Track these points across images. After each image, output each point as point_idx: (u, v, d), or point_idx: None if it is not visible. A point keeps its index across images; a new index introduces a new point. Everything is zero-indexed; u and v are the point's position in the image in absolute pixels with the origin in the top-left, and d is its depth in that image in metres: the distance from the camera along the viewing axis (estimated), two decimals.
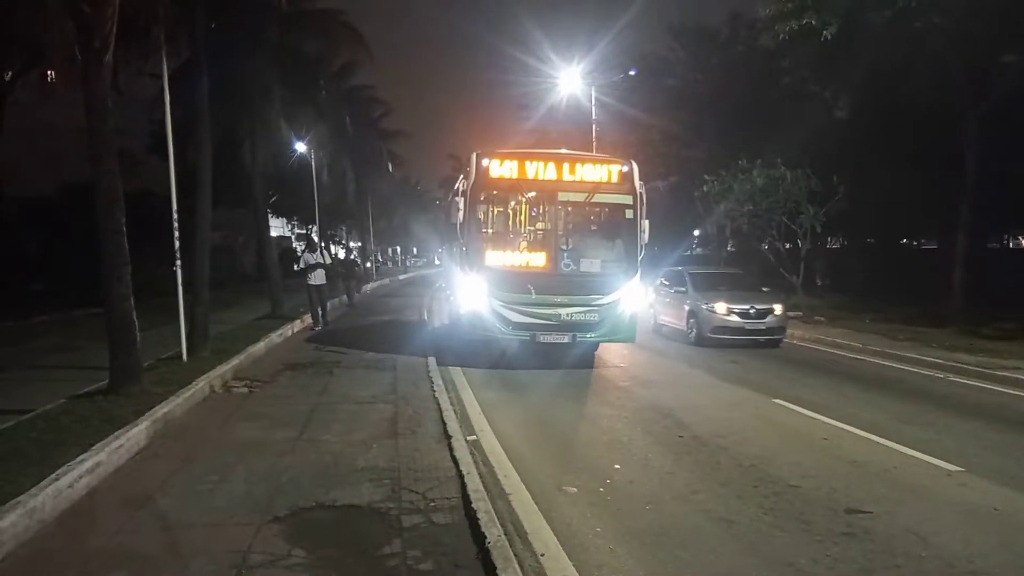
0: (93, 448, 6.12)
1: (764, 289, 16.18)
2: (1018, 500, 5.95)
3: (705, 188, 22.24)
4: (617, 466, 6.79)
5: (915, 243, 33.80)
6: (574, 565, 4.63)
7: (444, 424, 7.73)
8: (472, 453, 6.77)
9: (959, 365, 12.08)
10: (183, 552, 4.59)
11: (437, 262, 60.92)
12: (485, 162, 11.50)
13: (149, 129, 25.18)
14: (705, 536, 5.18)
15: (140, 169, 26.61)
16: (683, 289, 16.07)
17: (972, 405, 9.68)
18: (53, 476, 5.37)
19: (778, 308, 14.98)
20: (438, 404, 8.75)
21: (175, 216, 10.87)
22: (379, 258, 71.46)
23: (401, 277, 52.83)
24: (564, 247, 11.80)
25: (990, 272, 20.27)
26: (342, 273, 24.17)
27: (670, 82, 33.18)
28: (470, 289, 11.52)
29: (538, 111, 37.32)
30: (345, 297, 24.13)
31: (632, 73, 31.11)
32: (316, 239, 23.71)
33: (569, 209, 12.38)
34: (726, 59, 31.94)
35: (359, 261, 37.71)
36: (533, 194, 12.30)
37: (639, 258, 11.90)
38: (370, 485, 5.81)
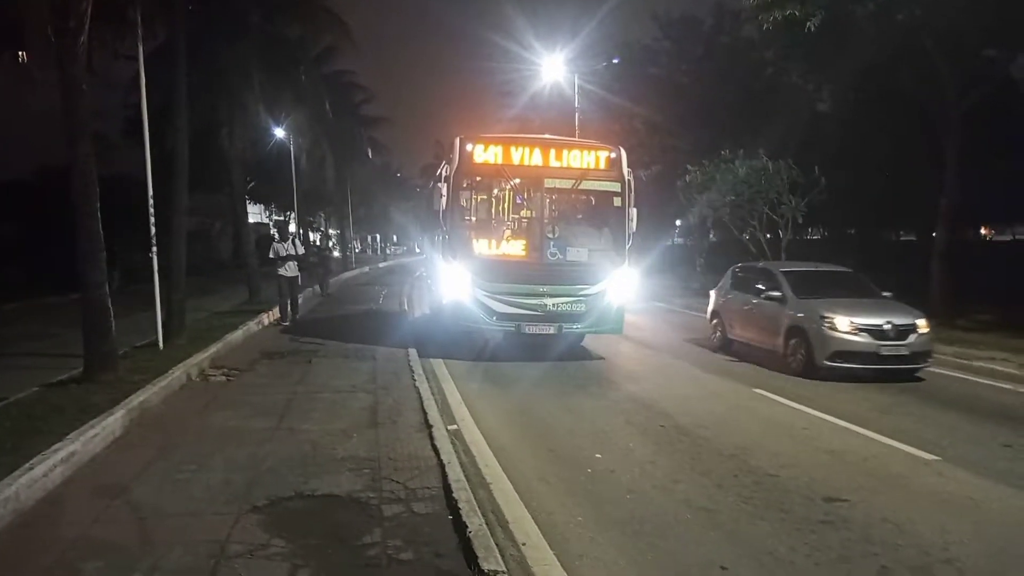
0: (68, 437, 6.02)
1: (885, 294, 11.83)
2: (992, 489, 6.03)
3: (688, 178, 22.27)
4: (598, 455, 6.80)
5: (895, 235, 34.18)
6: (555, 554, 4.63)
7: (425, 413, 7.69)
8: (453, 442, 6.75)
9: (937, 356, 12.20)
10: (160, 542, 4.53)
11: (417, 250, 60.61)
12: (469, 147, 11.17)
13: (125, 113, 24.76)
14: (686, 525, 5.19)
15: (115, 153, 26.17)
16: (776, 294, 11.70)
17: (950, 396, 9.79)
18: (27, 466, 5.28)
19: (921, 324, 10.68)
20: (419, 394, 8.68)
21: (151, 201, 10.70)
22: (358, 245, 71.12)
23: (381, 265, 52.58)
24: (550, 235, 11.43)
25: (967, 265, 20.52)
26: (315, 263, 23.49)
27: (654, 71, 33.12)
28: (453, 278, 11.19)
29: (521, 98, 37.23)
30: (318, 287, 23.45)
31: (615, 61, 31.06)
32: (293, 227, 23.27)
33: (555, 196, 12.14)
34: (710, 49, 31.94)
35: (330, 247, 37.03)
36: (518, 180, 12.01)
37: (627, 247, 11.68)
38: (350, 474, 5.76)
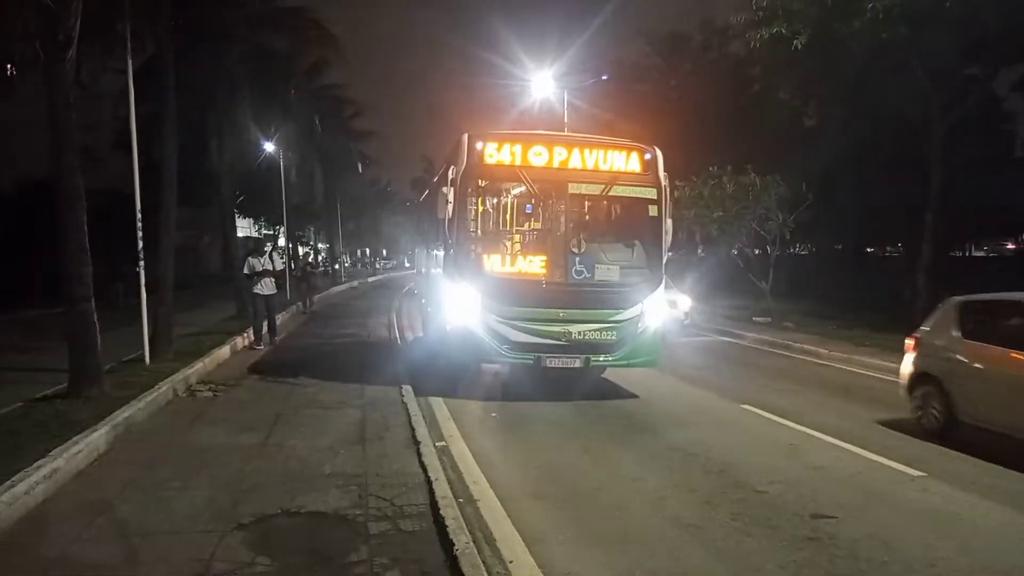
0: (51, 453, 5.96)
1: None
2: (978, 505, 6.05)
3: (676, 193, 22.39)
4: (586, 471, 6.78)
5: (882, 250, 34.49)
6: (543, 572, 4.61)
7: (412, 429, 7.65)
8: (440, 459, 6.72)
9: None
10: (143, 560, 4.48)
11: (407, 265, 60.39)
12: (479, 145, 9.55)
13: (113, 125, 24.71)
14: (673, 542, 5.18)
15: (103, 166, 26.09)
16: None
17: None
18: (9, 483, 5.22)
19: None
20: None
21: (139, 215, 10.66)
22: (348, 260, 70.93)
23: (370, 280, 52.45)
24: (575, 250, 9.70)
25: (952, 280, 20.72)
26: (299, 278, 22.78)
27: (643, 87, 33.40)
28: (460, 301, 9.56)
29: (510, 114, 37.33)
30: (301, 304, 22.66)
31: (604, 78, 31.25)
32: (282, 242, 22.94)
33: (581, 204, 10.58)
34: (698, 65, 32.25)
35: (316, 263, 36.15)
36: (537, 185, 10.10)
37: (663, 264, 10.21)
38: (337, 491, 5.72)
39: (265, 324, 14.42)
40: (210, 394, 9.59)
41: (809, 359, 14.51)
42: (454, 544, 4.61)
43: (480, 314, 9.46)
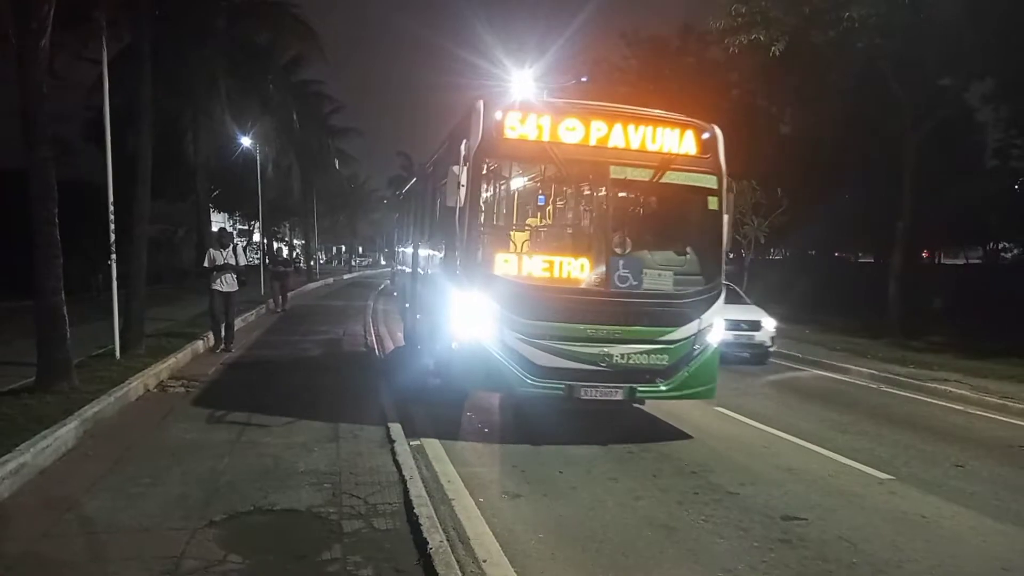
0: (17, 448, 5.84)
1: None
2: (944, 508, 6.17)
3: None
4: (560, 472, 6.80)
5: (854, 256, 34.95)
6: (516, 571, 4.61)
7: (388, 430, 7.62)
8: (415, 458, 6.70)
9: (892, 376, 12.51)
10: (112, 558, 4.42)
11: (383, 263, 59.96)
12: (497, 116, 7.54)
13: (86, 116, 24.33)
14: (646, 542, 5.22)
15: (75, 158, 25.66)
16: None
17: (903, 415, 10.02)
18: None
19: None
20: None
21: (111, 207, 10.51)
22: (323, 257, 70.48)
23: (345, 277, 52.14)
24: (619, 251, 7.79)
25: (922, 287, 21.11)
26: (273, 275, 21.80)
27: (623, 89, 33.52)
28: (469, 312, 7.46)
29: None
30: (272, 303, 21.65)
31: (584, 80, 31.35)
32: (256, 238, 22.43)
33: (626, 194, 8.72)
34: (677, 70, 32.45)
35: (288, 260, 34.28)
36: (571, 168, 8.12)
37: (723, 270, 8.29)
38: (310, 489, 5.69)
39: (223, 327, 12.94)
40: (182, 390, 9.47)
41: (782, 363, 14.66)
42: (428, 542, 4.60)
43: (496, 330, 7.41)
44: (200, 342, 12.86)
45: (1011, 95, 21.20)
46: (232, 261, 12.68)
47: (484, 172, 7.94)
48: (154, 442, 6.98)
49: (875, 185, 23.21)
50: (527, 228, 9.38)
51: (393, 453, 6.69)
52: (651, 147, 7.82)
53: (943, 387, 11.60)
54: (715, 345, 8.04)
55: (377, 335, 16.56)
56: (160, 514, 5.10)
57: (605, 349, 7.53)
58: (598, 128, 7.71)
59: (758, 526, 5.56)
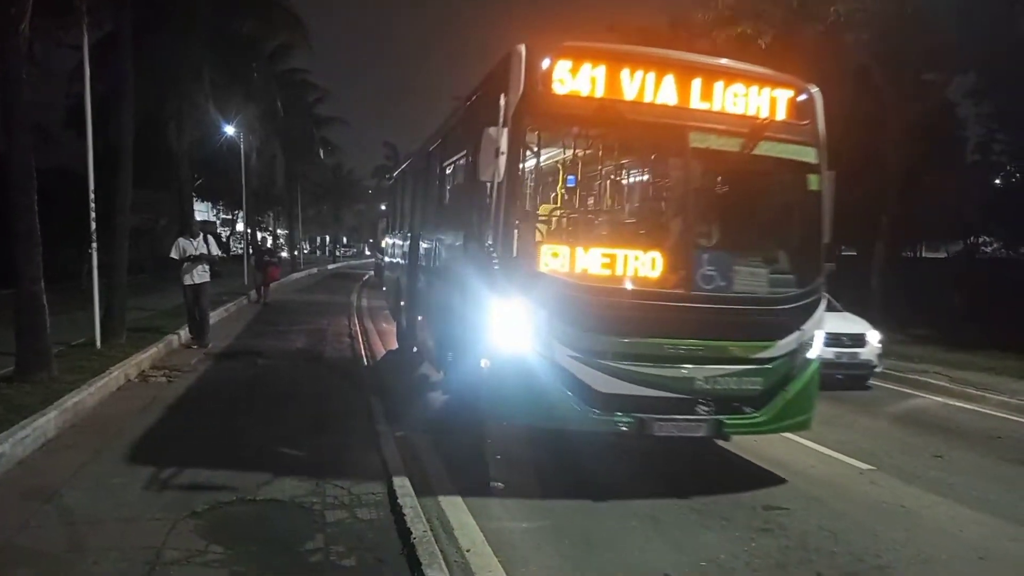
0: None
1: None
2: (923, 498, 6.26)
3: None
4: (545, 463, 6.81)
5: (837, 249, 35.16)
6: (500, 561, 4.62)
7: (371, 415, 7.59)
8: (399, 449, 6.68)
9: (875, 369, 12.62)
10: (92, 548, 4.38)
11: (367, 253, 59.57)
12: (545, 64, 5.75)
13: (66, 103, 24.03)
14: (632, 533, 5.24)
15: (57, 146, 25.35)
16: None
17: (886, 407, 10.14)
18: None
19: None
20: None
21: (92, 195, 10.39)
22: (307, 246, 70.07)
23: (330, 267, 51.88)
24: (704, 241, 6.42)
25: (905, 280, 21.29)
26: (257, 266, 20.95)
27: None
28: (508, 322, 5.70)
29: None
30: (254, 293, 20.77)
31: None
32: (240, 227, 21.89)
33: (710, 168, 6.77)
34: None
35: (272, 250, 32.45)
36: (640, 134, 6.48)
37: (823, 268, 6.47)
38: (293, 479, 5.66)
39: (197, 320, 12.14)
40: (164, 379, 9.40)
41: None
42: (411, 532, 4.59)
43: (545, 345, 5.64)
44: (184, 332, 12.74)
45: (993, 91, 21.37)
46: (204, 251, 12.00)
47: (532, 140, 6.30)
48: (135, 432, 6.91)
49: (861, 178, 23.37)
50: (583, 212, 7.55)
51: (378, 447, 6.63)
52: (740, 109, 6.12)
53: (924, 379, 11.73)
54: (816, 362, 6.36)
55: (366, 335, 15.01)
56: (141, 505, 5.06)
57: (686, 370, 5.82)
58: (676, 83, 5.96)
59: (741, 516, 5.61)
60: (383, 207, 31.52)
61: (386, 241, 16.32)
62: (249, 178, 28.19)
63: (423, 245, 9.78)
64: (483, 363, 5.93)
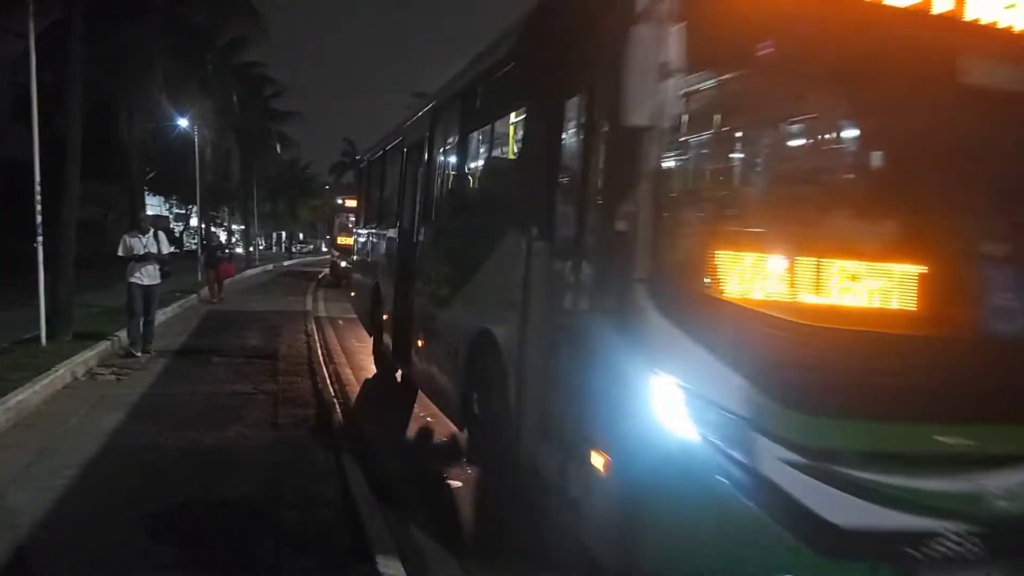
0: None
1: None
2: None
3: None
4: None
5: None
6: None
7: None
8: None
9: None
10: (36, 551, 4.26)
11: (324, 249, 58.62)
12: None
13: (12, 93, 23.29)
14: None
15: (2, 136, 24.57)
16: None
17: None
18: None
19: None
20: None
21: (38, 188, 10.10)
22: (263, 242, 69.01)
23: (285, 264, 51.09)
24: (994, 249, 3.58)
25: None
26: (208, 263, 20.21)
27: None
28: (655, 396, 2.99)
29: None
30: (207, 290, 19.77)
31: None
32: (194, 222, 21.38)
33: (989, 120, 3.46)
34: None
35: (224, 246, 30.30)
36: (879, 65, 3.31)
37: None
38: (247, 479, 5.57)
39: (142, 325, 10.79)
40: (113, 378, 9.18)
41: None
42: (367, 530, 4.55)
43: (737, 440, 2.91)
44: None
45: None
46: (153, 249, 10.70)
47: (695, 82, 3.37)
48: (81, 432, 6.73)
49: None
50: (798, 194, 3.81)
51: (337, 452, 6.56)
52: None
53: None
54: None
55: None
56: (88, 506, 4.94)
57: (969, 483, 3.07)
58: None
59: None
60: (339, 201, 30.91)
61: (355, 238, 14.07)
62: (203, 172, 27.64)
63: (425, 242, 7.39)
64: (596, 460, 3.35)
